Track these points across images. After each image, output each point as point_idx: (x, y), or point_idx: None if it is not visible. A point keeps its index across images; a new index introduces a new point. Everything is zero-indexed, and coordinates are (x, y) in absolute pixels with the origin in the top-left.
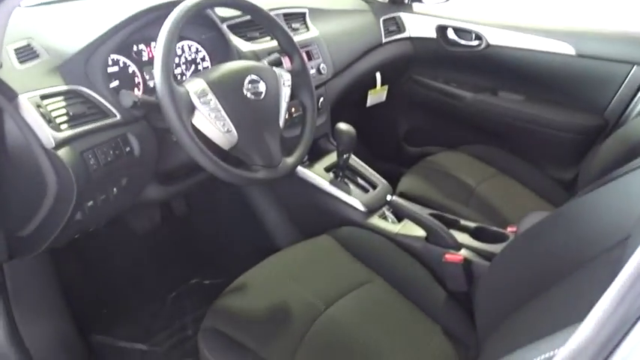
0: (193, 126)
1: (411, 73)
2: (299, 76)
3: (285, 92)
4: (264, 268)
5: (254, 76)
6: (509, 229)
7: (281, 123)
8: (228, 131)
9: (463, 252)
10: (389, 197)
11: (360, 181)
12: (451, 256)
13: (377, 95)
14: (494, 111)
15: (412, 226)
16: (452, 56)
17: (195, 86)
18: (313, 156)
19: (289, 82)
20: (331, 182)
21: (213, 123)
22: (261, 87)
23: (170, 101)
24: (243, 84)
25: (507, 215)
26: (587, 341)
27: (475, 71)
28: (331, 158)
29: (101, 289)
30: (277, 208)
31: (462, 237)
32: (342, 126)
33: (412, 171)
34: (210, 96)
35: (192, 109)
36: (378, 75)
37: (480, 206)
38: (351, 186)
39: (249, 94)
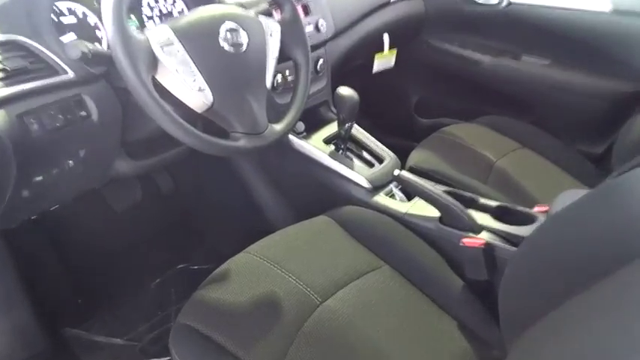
0: (157, 83)
1: (424, 36)
2: (290, 27)
3: (273, 46)
4: (251, 255)
5: (233, 24)
6: (536, 208)
7: (268, 82)
8: (201, 90)
9: (483, 235)
10: (396, 172)
11: (364, 154)
12: (470, 240)
13: (384, 60)
14: (516, 77)
15: (424, 204)
16: (469, 16)
17: (158, 34)
18: (311, 126)
19: (278, 35)
20: (331, 155)
21: (182, 79)
22: (242, 37)
23: (124, 50)
24: (218, 33)
25: (532, 193)
26: None
27: (495, 33)
28: (332, 128)
29: (75, 275)
30: (271, 185)
31: (481, 217)
32: (344, 91)
33: (424, 144)
34: (177, 46)
35: (154, 61)
36: (385, 37)
37: (500, 183)
38: (354, 160)
39: (226, 46)
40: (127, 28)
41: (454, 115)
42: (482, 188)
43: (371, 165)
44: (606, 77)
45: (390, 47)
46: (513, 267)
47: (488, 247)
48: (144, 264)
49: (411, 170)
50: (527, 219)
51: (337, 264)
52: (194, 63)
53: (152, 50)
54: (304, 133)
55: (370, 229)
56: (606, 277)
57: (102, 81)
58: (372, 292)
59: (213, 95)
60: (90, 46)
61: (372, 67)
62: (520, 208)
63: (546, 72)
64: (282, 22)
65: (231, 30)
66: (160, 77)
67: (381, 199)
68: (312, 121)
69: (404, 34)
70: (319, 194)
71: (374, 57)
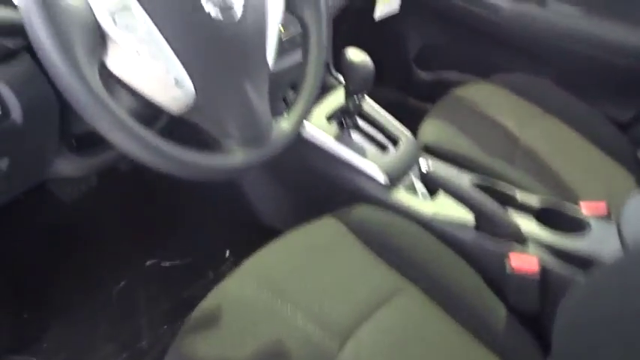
0: (107, 71)
1: None
2: None
3: (276, 5)
4: (246, 278)
5: None
6: (584, 208)
7: (270, 60)
8: (178, 82)
9: (533, 250)
10: (424, 166)
11: (373, 132)
12: (520, 261)
13: (388, 3)
14: (538, 27)
15: (451, 202)
16: None
17: None
18: None
19: None
20: (337, 138)
21: (148, 68)
22: None
23: (46, 25)
24: None
25: (568, 180)
26: None
27: None
28: (334, 99)
29: (17, 282)
30: (260, 171)
31: (524, 222)
32: (354, 55)
33: (436, 112)
34: (138, 13)
35: (100, 40)
36: None
37: (530, 165)
38: (362, 140)
39: (213, 11)
40: None
41: (462, 68)
42: (512, 173)
43: (383, 147)
44: None
45: None
46: (576, 299)
47: (544, 273)
48: (103, 263)
49: (427, 150)
50: (577, 223)
51: (353, 286)
52: (166, 41)
53: (97, 22)
54: None
55: (389, 236)
56: None
57: (24, 55)
58: (400, 327)
59: (195, 88)
60: None
61: (372, 11)
62: (568, 207)
63: (576, 22)
64: None
65: None
66: (113, 62)
67: (401, 196)
68: None
69: None
70: (322, 187)
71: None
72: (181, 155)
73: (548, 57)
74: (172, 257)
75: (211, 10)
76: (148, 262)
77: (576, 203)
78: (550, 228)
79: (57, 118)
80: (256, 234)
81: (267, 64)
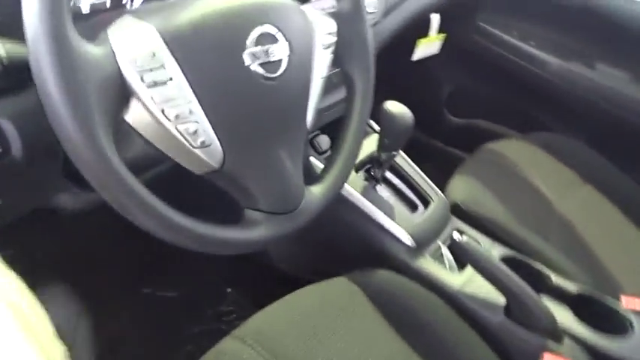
0: (128, 126)
1: (478, 20)
2: (348, 24)
3: (323, 59)
4: (247, 345)
5: (269, 27)
6: (624, 301)
7: (309, 121)
8: (205, 144)
9: (567, 346)
10: (456, 235)
11: (402, 187)
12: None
13: (428, 46)
14: (584, 86)
15: (480, 277)
16: (538, 1)
17: (133, 42)
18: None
19: (333, 40)
20: (363, 191)
21: (174, 127)
22: (280, 50)
23: (54, 66)
24: (244, 43)
25: (607, 263)
26: None
27: (567, 27)
28: (365, 147)
29: None
30: None
31: (559, 311)
32: (393, 107)
33: (468, 168)
34: (171, 67)
35: (122, 94)
36: (435, 18)
37: (565, 242)
38: (390, 195)
39: (254, 66)
40: (69, 34)
41: (492, 117)
42: (546, 250)
43: (413, 207)
44: None
45: (440, 30)
46: None
47: None
48: (97, 288)
49: (456, 211)
50: (618, 322)
51: None
52: (197, 98)
53: (120, 74)
54: (329, 152)
55: (409, 309)
56: None
57: (32, 87)
58: None
59: (224, 152)
60: (4, 50)
61: (411, 53)
62: (607, 301)
63: (623, 87)
64: (337, 16)
65: (265, 37)
66: (133, 119)
67: (427, 263)
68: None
69: (457, 15)
70: (341, 239)
71: (416, 42)
72: (199, 228)
73: (587, 117)
74: (166, 286)
75: (252, 64)
76: (144, 290)
77: (616, 294)
78: (588, 324)
79: (61, 155)
80: (262, 273)
81: (306, 127)
